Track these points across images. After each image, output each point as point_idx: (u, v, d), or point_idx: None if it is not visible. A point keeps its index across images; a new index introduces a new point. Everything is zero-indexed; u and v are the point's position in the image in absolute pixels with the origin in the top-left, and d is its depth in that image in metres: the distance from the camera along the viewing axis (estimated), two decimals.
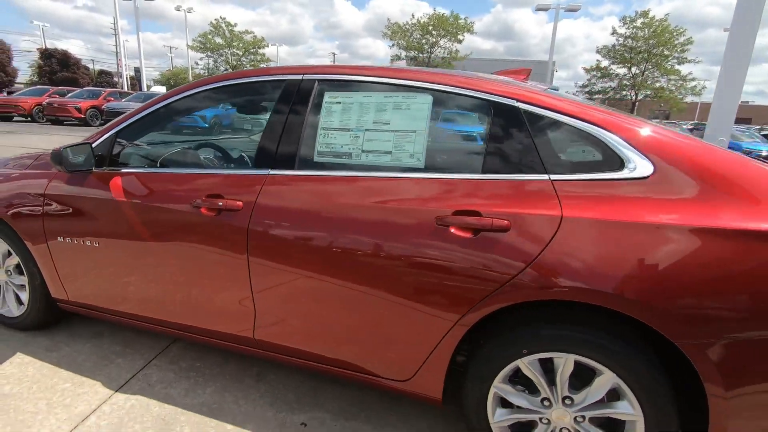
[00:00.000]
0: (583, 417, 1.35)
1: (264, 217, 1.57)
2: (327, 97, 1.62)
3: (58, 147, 1.79)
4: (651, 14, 28.30)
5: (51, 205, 1.97)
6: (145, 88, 25.23)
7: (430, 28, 26.79)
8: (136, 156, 2.02)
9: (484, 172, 1.40)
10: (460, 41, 27.76)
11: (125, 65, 23.56)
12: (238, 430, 1.67)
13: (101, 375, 1.97)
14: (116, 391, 1.86)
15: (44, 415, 1.70)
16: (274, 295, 1.62)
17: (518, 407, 1.42)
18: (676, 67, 28.99)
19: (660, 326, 1.17)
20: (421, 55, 27.78)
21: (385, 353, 1.54)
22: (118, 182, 1.85)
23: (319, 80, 1.65)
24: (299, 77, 1.68)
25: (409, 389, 1.55)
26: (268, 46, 30.55)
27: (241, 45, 29.26)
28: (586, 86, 33.35)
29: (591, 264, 1.22)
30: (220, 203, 1.63)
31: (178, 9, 30.15)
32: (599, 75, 32.07)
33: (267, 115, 1.74)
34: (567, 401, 1.35)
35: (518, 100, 1.41)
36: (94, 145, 1.91)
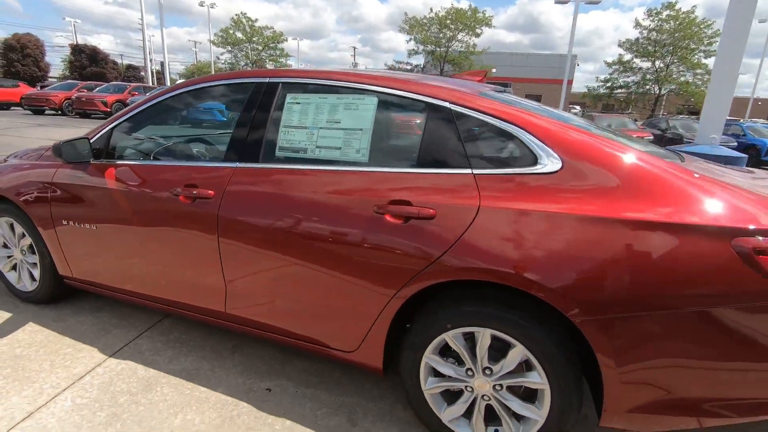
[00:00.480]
0: (501, 386, 1.51)
1: (231, 205, 1.78)
2: (288, 98, 1.81)
3: (58, 141, 2.04)
4: (677, 6, 27.42)
5: (57, 192, 2.23)
6: (168, 83, 26.00)
7: (448, 22, 26.65)
8: (128, 149, 2.26)
9: (417, 166, 1.57)
10: (478, 35, 27.53)
11: (151, 60, 24.28)
12: (209, 392, 1.90)
13: (99, 343, 2.23)
14: (110, 357, 2.12)
15: (47, 374, 1.97)
16: (240, 273, 1.84)
17: (447, 376, 1.59)
18: (703, 60, 28.04)
19: (558, 304, 1.33)
20: (438, 49, 27.69)
21: (335, 326, 1.74)
22: (112, 173, 2.09)
23: (283, 83, 1.84)
24: (266, 80, 1.88)
25: (356, 359, 1.74)
26: (286, 41, 30.99)
27: (260, 40, 29.80)
28: (608, 80, 32.60)
29: (500, 248, 1.38)
30: (195, 192, 1.85)
31: (201, 4, 30.91)
32: (621, 69, 31.29)
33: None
34: (487, 371, 1.52)
35: (450, 102, 1.57)
36: (93, 139, 2.16)
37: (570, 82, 34.52)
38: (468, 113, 1.54)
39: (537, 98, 34.58)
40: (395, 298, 1.55)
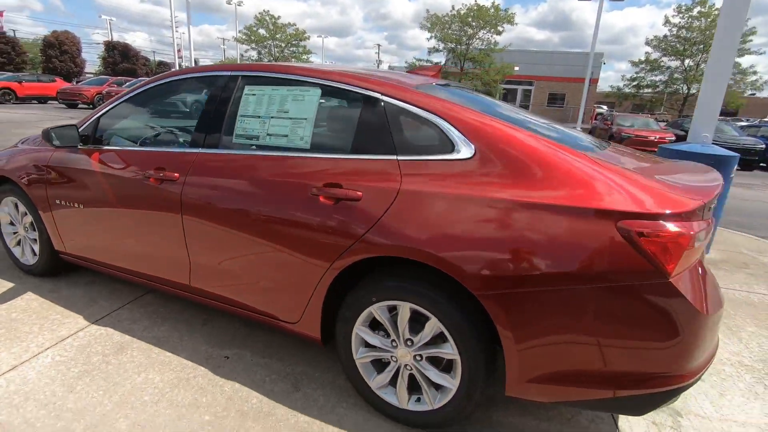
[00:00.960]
0: (421, 356, 1.64)
1: (192, 187, 1.96)
2: (246, 90, 1.98)
3: (47, 127, 2.27)
4: (710, 2, 26.37)
5: (51, 174, 2.47)
6: None
7: (470, 19, 26.45)
8: (113, 136, 2.47)
9: (351, 152, 1.71)
10: (500, 33, 27.22)
11: (181, 57, 25.07)
12: (173, 356, 2.10)
13: (85, 311, 2.46)
14: (92, 323, 2.35)
15: (35, 335, 2.21)
16: (200, 249, 2.02)
17: (375, 347, 1.73)
18: (736, 59, 26.86)
19: (461, 279, 1.44)
20: (459, 47, 27.53)
21: (282, 299, 1.89)
22: (96, 157, 2.31)
23: (242, 76, 2.01)
24: (228, 74, 2.05)
25: (299, 330, 1.89)
26: (308, 38, 31.44)
27: (283, 37, 30.36)
28: (635, 79, 31.66)
29: (412, 228, 1.50)
30: (162, 174, 2.04)
31: (228, 2, 31.72)
32: (648, 68, 30.33)
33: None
34: (408, 342, 1.65)
35: (382, 94, 1.70)
36: (82, 127, 2.38)
37: (594, 81, 33.72)
38: (397, 104, 1.67)
39: (561, 97, 33.42)
40: (328, 272, 1.69)
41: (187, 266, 2.09)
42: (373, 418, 1.77)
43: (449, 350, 1.56)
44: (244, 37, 30.62)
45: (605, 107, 34.61)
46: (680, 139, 13.11)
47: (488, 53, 26.91)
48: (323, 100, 1.83)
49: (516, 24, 27.51)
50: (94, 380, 1.90)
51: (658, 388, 1.36)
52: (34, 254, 2.81)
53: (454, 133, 1.56)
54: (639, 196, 1.34)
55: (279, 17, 29.88)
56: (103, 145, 2.36)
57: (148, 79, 2.33)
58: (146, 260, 2.27)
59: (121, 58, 35.67)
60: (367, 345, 1.76)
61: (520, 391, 1.48)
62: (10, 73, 22.44)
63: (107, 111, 2.39)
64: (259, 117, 1.92)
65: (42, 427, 1.64)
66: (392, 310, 1.66)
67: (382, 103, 1.69)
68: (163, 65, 45.32)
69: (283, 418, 1.75)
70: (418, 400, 1.70)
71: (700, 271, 1.48)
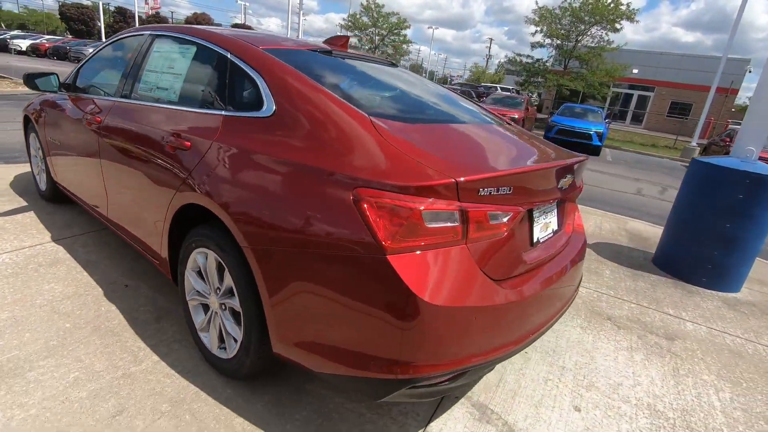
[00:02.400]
0: (224, 305, 1.71)
1: (105, 130, 2.24)
2: (154, 47, 2.19)
3: (29, 72, 2.74)
4: None
5: (44, 115, 2.98)
6: None
7: (583, 14, 24.20)
8: (80, 85, 2.87)
9: (197, 106, 1.82)
10: (617, 30, 24.48)
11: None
12: (87, 277, 2.43)
13: (55, 232, 2.95)
14: (52, 241, 2.81)
15: (7, 241, 2.72)
16: (110, 185, 2.30)
17: (198, 291, 1.84)
18: None
19: (233, 230, 1.48)
20: (566, 44, 25.44)
21: (150, 237, 2.09)
22: (68, 102, 2.73)
23: (153, 35, 2.22)
24: (147, 33, 2.28)
25: (161, 269, 2.07)
26: (409, 27, 31.58)
27: (385, 26, 30.94)
28: None
29: (207, 179, 1.57)
30: (91, 117, 2.35)
31: None
32: None
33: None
34: (217, 290, 1.73)
35: (230, 53, 1.77)
36: (64, 77, 2.83)
37: (734, 92, 28.74)
38: (236, 62, 1.73)
39: (686, 107, 29.08)
40: (168, 214, 1.83)
41: (105, 199, 2.40)
42: (198, 358, 1.89)
43: (236, 303, 1.61)
44: (350, 24, 31.86)
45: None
46: None
47: (599, 52, 24.44)
48: (193, 58, 1.96)
49: (637, 21, 24.46)
50: (16, 280, 2.30)
51: (386, 375, 1.26)
52: (45, 183, 3.41)
53: (265, 91, 1.58)
54: (384, 165, 1.25)
55: (383, 5, 30.47)
56: (73, 93, 2.78)
57: (106, 40, 2.68)
58: (88, 193, 2.64)
59: None
60: (196, 289, 1.87)
61: (287, 351, 1.46)
62: None
63: (83, 64, 2.81)
64: (155, 72, 2.12)
65: None
66: (206, 256, 1.75)
67: (227, 61, 1.76)
68: None
69: (124, 339, 1.96)
70: (223, 347, 1.77)
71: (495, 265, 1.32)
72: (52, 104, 2.92)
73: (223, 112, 1.69)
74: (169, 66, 2.06)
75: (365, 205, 1.19)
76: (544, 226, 1.68)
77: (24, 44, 28.16)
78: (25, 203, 3.40)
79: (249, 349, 1.60)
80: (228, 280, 1.63)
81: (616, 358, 2.29)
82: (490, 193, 1.26)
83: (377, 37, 31.75)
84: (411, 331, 1.19)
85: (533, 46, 26.91)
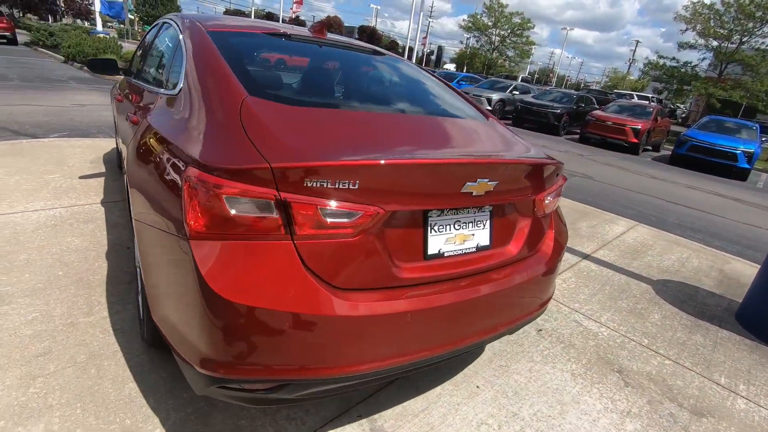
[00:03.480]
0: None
1: (125, 104, 2.53)
2: (160, 33, 2.38)
3: (91, 58, 3.20)
4: None
5: (114, 93, 3.49)
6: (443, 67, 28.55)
7: (752, 8, 19.90)
8: (131, 70, 3.26)
9: (155, 85, 1.93)
10: None
11: (431, 43, 27.53)
12: (104, 234, 2.78)
13: (107, 197, 3.43)
14: (99, 203, 3.27)
15: (54, 198, 3.25)
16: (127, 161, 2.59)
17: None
18: None
19: (131, 204, 1.54)
20: (726, 45, 21.29)
21: None
22: (125, 83, 3.15)
23: (163, 22, 2.41)
24: (161, 20, 2.49)
25: None
26: (533, 28, 29.60)
27: (507, 26, 29.55)
28: None
29: (129, 155, 1.66)
30: (125, 94, 2.69)
31: None
32: None
33: None
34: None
35: (182, 35, 1.83)
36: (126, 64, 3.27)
37: None
38: (181, 45, 1.80)
39: None
40: None
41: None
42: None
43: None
44: (470, 25, 31.23)
45: None
46: None
47: (765, 56, 19.98)
48: (167, 42, 2.08)
49: None
50: (52, 231, 2.74)
51: (197, 367, 1.17)
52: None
53: (184, 69, 1.60)
54: (219, 146, 1.17)
55: (506, 5, 29.12)
56: (126, 75, 3.19)
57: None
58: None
59: (367, 41, 41.81)
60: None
61: (157, 322, 1.46)
62: None
63: (135, 51, 3.21)
64: (151, 56, 2.32)
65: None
66: None
67: (179, 44, 1.83)
68: (393, 45, 50.35)
69: (93, 293, 2.18)
70: None
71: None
72: (118, 87, 3.41)
73: (161, 91, 1.77)
74: (158, 50, 2.23)
75: (185, 186, 1.12)
76: (458, 238, 1.40)
77: None
78: (104, 171, 4.04)
79: (143, 314, 1.65)
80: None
81: (594, 422, 1.83)
82: (324, 185, 1.08)
83: (497, 38, 30.54)
84: (210, 325, 1.09)
85: (681, 47, 23.17)
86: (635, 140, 12.52)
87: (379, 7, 64.16)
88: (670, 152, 12.63)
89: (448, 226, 1.36)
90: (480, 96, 15.89)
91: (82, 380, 1.64)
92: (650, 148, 14.34)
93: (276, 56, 1.92)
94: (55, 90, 8.76)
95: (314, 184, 1.08)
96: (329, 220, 1.11)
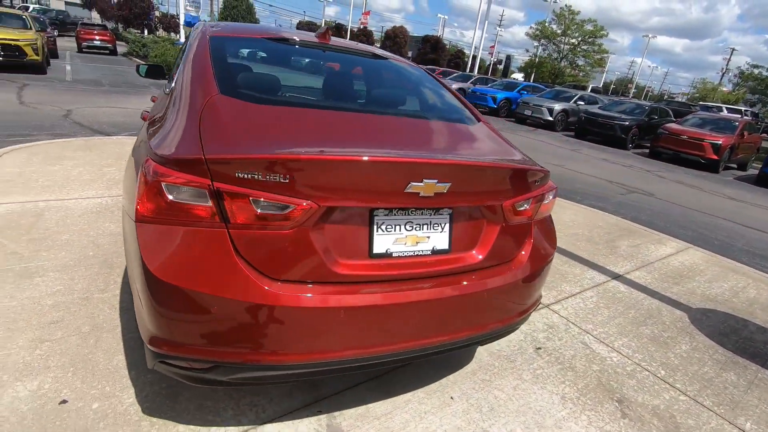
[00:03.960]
0: None
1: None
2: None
3: (139, 63, 3.54)
4: None
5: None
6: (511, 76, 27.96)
7: None
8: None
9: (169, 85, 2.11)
10: None
11: (498, 52, 27.34)
12: None
13: None
14: None
15: (118, 189, 3.62)
16: None
17: None
18: None
19: None
20: None
21: None
22: None
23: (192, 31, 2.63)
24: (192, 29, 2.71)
25: None
26: (606, 35, 27.84)
27: (577, 34, 28.07)
28: None
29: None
30: None
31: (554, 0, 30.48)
32: None
33: None
34: None
35: (192, 39, 1.99)
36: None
37: None
38: (188, 47, 1.95)
39: None
40: None
41: None
42: None
43: None
44: (537, 32, 30.18)
45: None
46: None
47: None
48: (184, 49, 2.26)
49: None
50: (94, 217, 3.07)
51: (146, 342, 1.26)
52: None
53: (180, 69, 1.75)
54: (174, 138, 1.27)
55: (578, 12, 27.74)
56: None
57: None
58: None
59: (431, 50, 41.91)
60: None
61: None
62: None
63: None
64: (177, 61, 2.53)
65: None
66: None
67: (187, 46, 2.00)
68: (460, 56, 49.77)
69: (114, 272, 2.41)
70: None
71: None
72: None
73: (166, 90, 1.94)
74: (180, 55, 2.44)
75: (141, 173, 1.23)
76: (410, 239, 1.37)
77: None
78: None
79: None
80: None
81: None
82: (256, 177, 1.13)
83: (566, 47, 29.18)
84: (149, 302, 1.18)
85: None
86: (714, 156, 11.30)
87: (446, 17, 64.13)
88: (757, 171, 11.28)
89: (397, 227, 1.35)
90: (540, 106, 15.29)
91: (81, 348, 1.82)
92: (734, 166, 12.90)
93: (266, 58, 2.03)
94: (137, 94, 9.78)
95: (246, 175, 1.13)
96: (261, 211, 1.16)
